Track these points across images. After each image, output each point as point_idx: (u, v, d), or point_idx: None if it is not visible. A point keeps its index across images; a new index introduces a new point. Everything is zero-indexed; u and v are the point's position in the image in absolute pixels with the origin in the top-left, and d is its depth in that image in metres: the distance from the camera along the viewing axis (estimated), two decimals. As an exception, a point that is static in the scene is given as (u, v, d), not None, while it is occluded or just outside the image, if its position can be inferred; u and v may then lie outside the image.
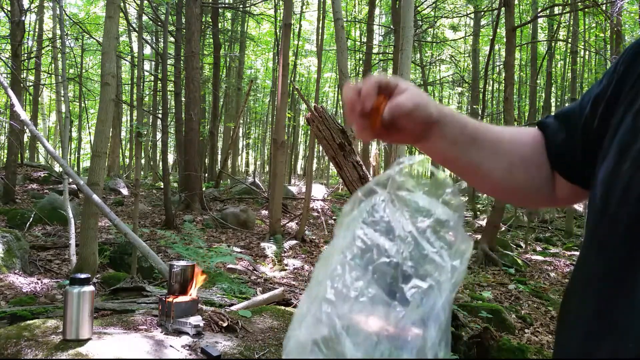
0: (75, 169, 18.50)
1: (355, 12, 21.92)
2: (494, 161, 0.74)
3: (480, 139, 0.73)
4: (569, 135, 0.72)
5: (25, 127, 7.27)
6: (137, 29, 11.72)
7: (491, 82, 18.80)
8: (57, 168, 13.17)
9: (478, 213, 14.26)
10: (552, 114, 0.79)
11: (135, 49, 17.99)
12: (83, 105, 21.01)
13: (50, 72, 16.56)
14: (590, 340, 0.54)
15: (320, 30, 12.13)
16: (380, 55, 17.33)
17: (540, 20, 16.91)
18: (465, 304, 4.85)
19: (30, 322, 2.44)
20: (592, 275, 0.58)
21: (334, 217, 11.02)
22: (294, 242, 8.34)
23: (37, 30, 16.23)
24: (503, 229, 10.68)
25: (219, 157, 18.63)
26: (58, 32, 8.96)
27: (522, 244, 10.31)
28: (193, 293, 2.65)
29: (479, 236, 8.89)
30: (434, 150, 0.73)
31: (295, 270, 6.70)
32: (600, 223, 0.57)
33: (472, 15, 18.71)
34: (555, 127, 0.75)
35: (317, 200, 12.62)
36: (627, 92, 0.61)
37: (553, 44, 17.05)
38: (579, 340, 0.56)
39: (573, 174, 0.72)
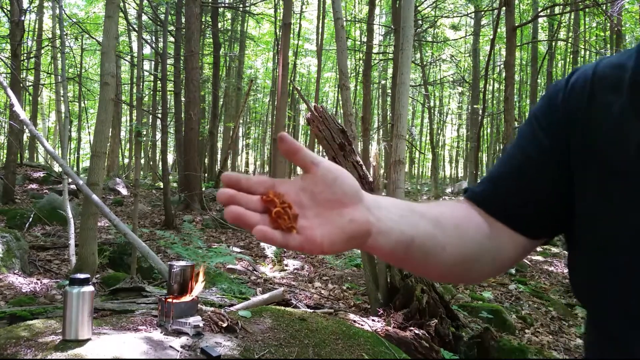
0: (75, 169, 18.49)
1: (355, 11, 21.90)
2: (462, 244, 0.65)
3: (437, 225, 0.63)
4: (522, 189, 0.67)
5: (24, 127, 7.27)
6: (136, 29, 11.71)
7: (491, 82, 18.80)
8: (57, 168, 13.16)
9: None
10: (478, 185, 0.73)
11: (135, 48, 17.98)
12: (82, 105, 21.02)
13: (49, 72, 16.56)
14: None
15: (320, 30, 12.15)
16: (381, 55, 17.33)
17: (540, 20, 16.90)
18: (465, 304, 4.84)
19: (30, 322, 2.43)
20: None
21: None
22: (294, 242, 8.33)
23: (36, 30, 16.24)
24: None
25: (219, 157, 18.63)
26: (58, 31, 8.96)
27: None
28: (195, 293, 2.64)
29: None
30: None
31: (295, 271, 6.69)
32: None
33: (473, 15, 18.71)
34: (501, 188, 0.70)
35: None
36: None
37: (553, 44, 17.06)
38: None
39: (531, 226, 0.68)
